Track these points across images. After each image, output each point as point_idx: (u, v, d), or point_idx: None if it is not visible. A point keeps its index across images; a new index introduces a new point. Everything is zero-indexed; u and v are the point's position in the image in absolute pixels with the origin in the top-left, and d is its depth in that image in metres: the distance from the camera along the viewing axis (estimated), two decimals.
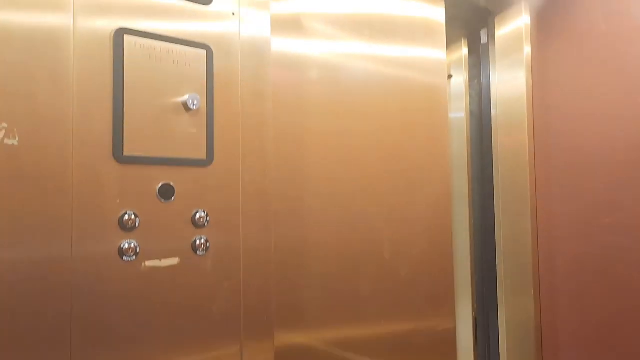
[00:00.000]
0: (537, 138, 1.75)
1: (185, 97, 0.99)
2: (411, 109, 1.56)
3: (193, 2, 1.02)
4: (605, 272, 1.54)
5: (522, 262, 1.75)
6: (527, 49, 1.76)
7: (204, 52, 1.03)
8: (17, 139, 0.82)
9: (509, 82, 1.80)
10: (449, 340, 1.59)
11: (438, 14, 1.65)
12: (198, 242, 0.99)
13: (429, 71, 1.63)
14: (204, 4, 1.04)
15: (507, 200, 1.80)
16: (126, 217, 0.91)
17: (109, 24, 0.92)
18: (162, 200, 0.96)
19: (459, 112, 1.97)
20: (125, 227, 0.91)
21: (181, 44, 1.00)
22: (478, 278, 1.89)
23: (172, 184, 0.97)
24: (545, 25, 1.76)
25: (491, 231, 1.84)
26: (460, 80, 1.98)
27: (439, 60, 1.63)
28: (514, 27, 1.79)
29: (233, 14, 1.08)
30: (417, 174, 1.55)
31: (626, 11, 1.53)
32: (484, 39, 1.88)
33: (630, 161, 1.49)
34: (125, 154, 0.92)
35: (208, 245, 1.00)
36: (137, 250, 0.93)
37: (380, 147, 1.47)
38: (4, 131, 0.81)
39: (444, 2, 1.71)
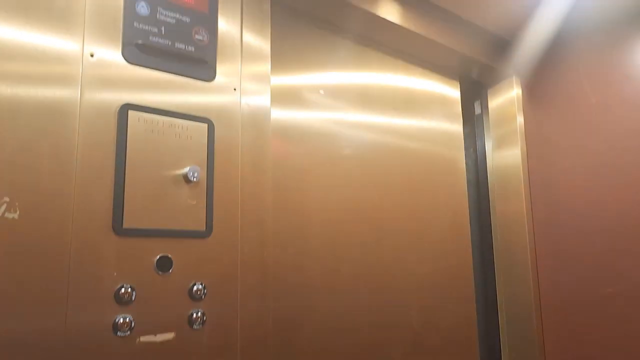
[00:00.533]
0: (535, 205, 1.76)
1: (186, 170, 1.00)
2: (423, 178, 1.59)
3: (196, 78, 1.06)
4: (611, 345, 1.51)
5: (526, 334, 1.71)
6: (520, 119, 1.81)
7: (205, 125, 1.05)
8: (17, 212, 0.83)
9: (504, 150, 1.84)
10: None
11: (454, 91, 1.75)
12: (194, 315, 0.97)
13: (447, 144, 1.71)
14: (207, 80, 1.08)
15: (508, 269, 1.79)
16: (122, 290, 0.90)
17: (114, 99, 0.95)
18: (160, 272, 0.95)
19: None
20: (121, 301, 0.90)
21: (183, 118, 1.03)
22: (482, 349, 1.84)
23: (170, 256, 0.97)
24: (536, 97, 1.81)
25: (493, 301, 1.81)
26: None
27: (457, 133, 1.72)
28: (507, 99, 1.85)
29: (234, 89, 1.12)
30: (433, 243, 1.56)
31: (612, 83, 1.59)
32: (477, 110, 1.93)
33: (625, 227, 1.50)
34: (124, 226, 0.92)
35: (204, 318, 0.98)
36: (132, 325, 0.91)
37: (391, 217, 1.48)
38: (5, 205, 0.82)
39: (459, 84, 1.80)
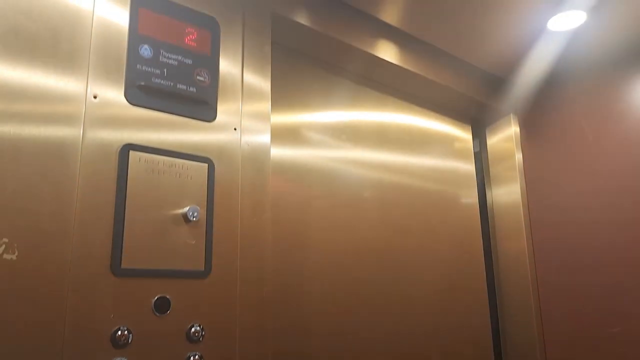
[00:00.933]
0: (536, 243, 1.75)
1: (186, 209, 1.00)
2: (431, 217, 1.59)
3: (197, 118, 1.07)
4: None
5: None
6: (519, 156, 1.82)
7: (205, 165, 1.06)
8: (16, 253, 0.82)
9: (504, 188, 1.85)
10: None
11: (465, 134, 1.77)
12: (192, 359, 0.95)
13: (460, 184, 1.71)
14: (207, 120, 1.09)
15: (510, 311, 1.77)
16: (119, 332, 0.89)
17: (116, 139, 0.96)
18: (158, 314, 0.94)
19: None
20: (117, 344, 0.89)
21: (184, 158, 1.03)
22: None
23: (168, 296, 0.96)
24: (534, 134, 1.83)
25: (496, 339, 1.79)
26: None
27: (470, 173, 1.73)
28: (505, 136, 1.87)
29: (235, 128, 1.13)
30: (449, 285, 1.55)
31: (608, 120, 1.61)
32: (476, 147, 1.95)
33: (627, 265, 1.49)
34: (122, 266, 0.92)
35: None
36: None
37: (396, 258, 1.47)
38: (4, 246, 0.81)
39: (471, 129, 1.83)
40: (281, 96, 1.34)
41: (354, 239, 1.43)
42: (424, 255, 1.60)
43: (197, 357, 0.96)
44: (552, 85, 1.80)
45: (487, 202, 1.89)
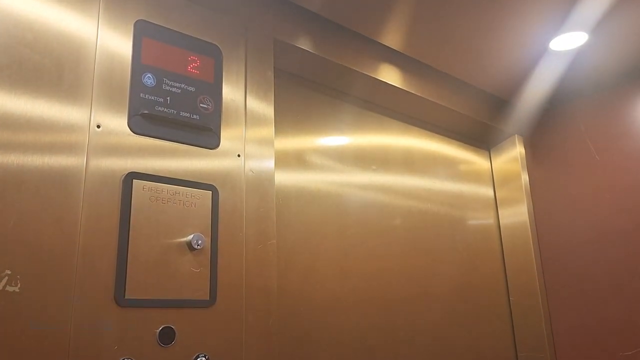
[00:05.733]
0: (545, 264, 1.73)
1: (190, 237, 0.99)
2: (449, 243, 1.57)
3: (201, 146, 1.07)
4: None
5: None
6: (525, 177, 1.81)
7: (209, 192, 1.05)
8: (19, 285, 0.81)
9: (511, 208, 1.83)
10: None
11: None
12: None
13: (478, 209, 1.70)
14: (211, 148, 1.09)
15: (523, 333, 1.74)
16: None
17: (119, 168, 0.95)
18: (162, 344, 0.92)
19: None
20: None
21: (188, 185, 1.03)
22: None
23: (173, 327, 0.94)
24: (539, 155, 1.82)
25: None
26: None
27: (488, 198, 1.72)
28: (510, 157, 1.86)
29: (239, 155, 1.13)
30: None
31: (613, 139, 1.60)
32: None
33: (638, 281, 1.46)
34: (126, 296, 0.90)
35: None
36: None
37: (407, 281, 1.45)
38: (6, 278, 0.80)
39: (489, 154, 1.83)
40: (284, 121, 1.34)
41: (361, 263, 1.42)
42: (437, 276, 1.58)
43: None
44: (555, 105, 1.79)
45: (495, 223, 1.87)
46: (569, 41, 1.46)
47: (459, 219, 1.74)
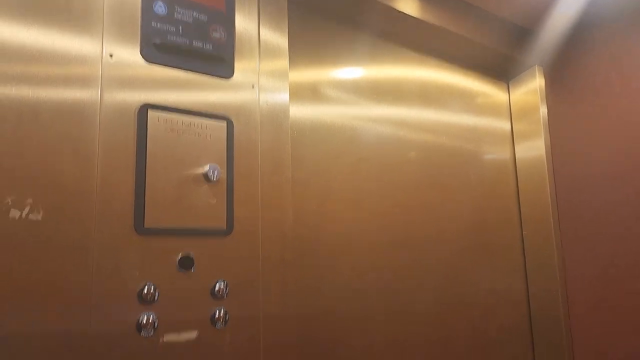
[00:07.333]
0: (560, 199, 1.72)
1: (206, 168, 1.00)
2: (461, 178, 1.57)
3: (215, 75, 1.06)
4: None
5: (555, 335, 1.68)
6: (544, 110, 1.77)
7: (224, 123, 1.05)
8: (41, 214, 0.83)
9: (528, 142, 1.80)
10: None
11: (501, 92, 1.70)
12: (217, 314, 0.97)
13: (494, 143, 1.68)
14: (225, 77, 1.07)
15: (535, 266, 1.76)
16: (145, 289, 0.91)
17: (133, 99, 0.95)
18: (182, 271, 0.95)
19: None
20: (145, 300, 0.90)
21: (202, 116, 1.02)
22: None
23: (191, 254, 0.97)
24: (560, 87, 1.77)
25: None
26: None
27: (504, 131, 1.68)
28: (529, 89, 1.81)
29: (253, 86, 1.11)
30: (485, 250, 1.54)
31: (638, 70, 1.55)
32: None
33: None
34: (146, 225, 0.93)
35: (227, 317, 0.98)
36: (156, 325, 0.91)
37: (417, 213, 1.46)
38: (29, 207, 0.83)
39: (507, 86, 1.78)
40: (299, 53, 1.32)
41: (375, 196, 1.42)
42: (451, 210, 1.59)
43: (222, 313, 0.97)
44: (579, 34, 1.72)
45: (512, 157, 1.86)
46: None
47: (474, 153, 1.72)
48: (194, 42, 1.04)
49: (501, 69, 1.85)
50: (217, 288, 0.98)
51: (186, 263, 0.96)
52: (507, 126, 1.86)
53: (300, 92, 1.33)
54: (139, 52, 0.97)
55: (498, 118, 1.85)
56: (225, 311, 0.98)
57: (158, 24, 1.00)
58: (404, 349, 1.40)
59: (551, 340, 1.69)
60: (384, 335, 1.37)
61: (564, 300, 1.67)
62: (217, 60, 1.06)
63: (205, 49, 1.05)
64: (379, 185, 1.44)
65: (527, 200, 1.80)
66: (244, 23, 1.13)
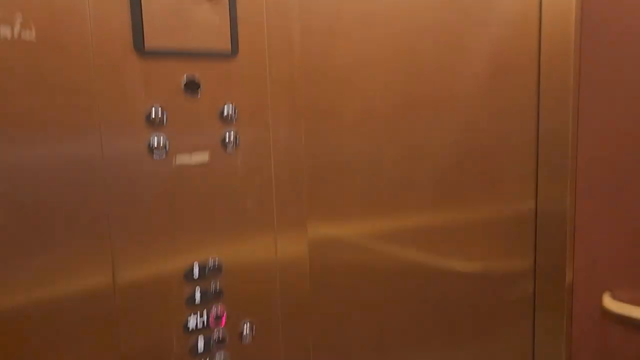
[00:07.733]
0: (584, 58, 1.61)
1: None
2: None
3: None
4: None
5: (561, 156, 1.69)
6: None
7: None
8: (33, 31, 0.79)
9: None
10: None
11: None
12: (227, 138, 0.97)
13: None
14: None
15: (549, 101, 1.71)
16: (153, 113, 0.89)
17: None
18: (188, 94, 0.93)
19: None
20: (153, 123, 0.89)
21: None
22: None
23: (197, 77, 0.93)
24: None
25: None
26: None
27: None
28: None
29: None
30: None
31: None
32: None
33: None
34: (146, 45, 0.88)
35: (238, 141, 0.98)
36: (167, 148, 0.91)
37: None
38: (19, 23, 0.78)
39: None
40: None
41: (387, 27, 1.34)
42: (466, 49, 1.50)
43: (232, 136, 0.97)
44: None
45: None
46: None
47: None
48: None
49: None
50: (225, 112, 0.96)
51: (192, 87, 0.93)
52: None
53: None
54: None
55: None
56: (236, 134, 0.97)
57: None
58: (412, 182, 1.42)
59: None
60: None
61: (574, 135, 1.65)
62: None
63: None
64: (391, 13, 1.34)
65: (548, 50, 1.68)
66: None
